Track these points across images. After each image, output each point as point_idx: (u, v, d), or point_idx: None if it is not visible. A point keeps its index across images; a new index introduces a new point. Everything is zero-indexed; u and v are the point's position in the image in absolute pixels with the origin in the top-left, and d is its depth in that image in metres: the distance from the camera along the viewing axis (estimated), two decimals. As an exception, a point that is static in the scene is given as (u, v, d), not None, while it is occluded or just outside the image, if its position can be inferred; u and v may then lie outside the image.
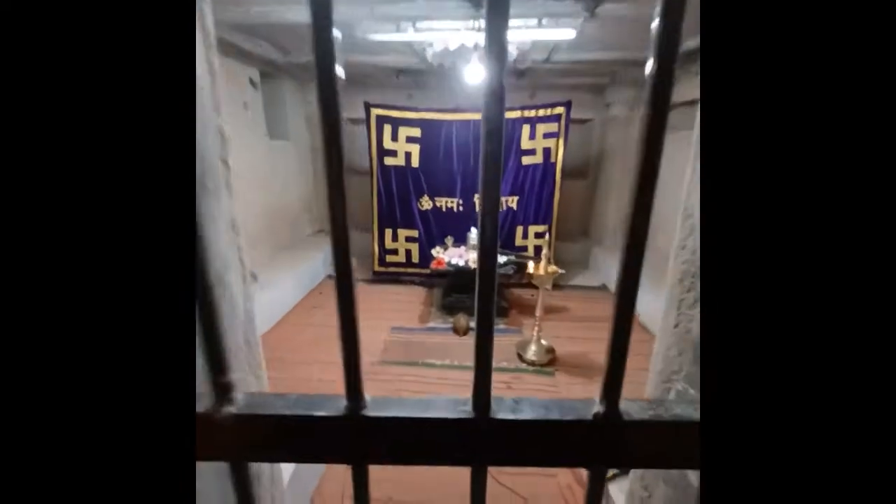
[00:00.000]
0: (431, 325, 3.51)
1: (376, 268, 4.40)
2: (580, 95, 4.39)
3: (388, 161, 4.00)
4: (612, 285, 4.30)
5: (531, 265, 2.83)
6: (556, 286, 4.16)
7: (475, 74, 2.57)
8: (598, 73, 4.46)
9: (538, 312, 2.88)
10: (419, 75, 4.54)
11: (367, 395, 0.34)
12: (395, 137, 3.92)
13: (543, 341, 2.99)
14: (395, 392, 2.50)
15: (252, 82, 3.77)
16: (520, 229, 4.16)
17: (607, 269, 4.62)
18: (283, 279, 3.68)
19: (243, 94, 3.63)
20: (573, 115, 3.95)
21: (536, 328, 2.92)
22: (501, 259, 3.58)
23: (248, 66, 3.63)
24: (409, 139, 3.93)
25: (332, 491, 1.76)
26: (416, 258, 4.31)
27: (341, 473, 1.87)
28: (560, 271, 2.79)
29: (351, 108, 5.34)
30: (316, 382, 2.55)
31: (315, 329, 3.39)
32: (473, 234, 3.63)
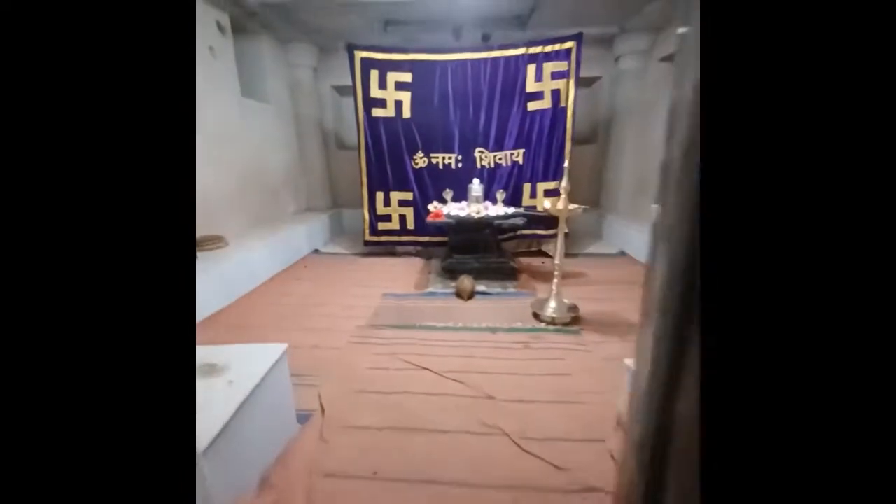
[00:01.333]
0: (431, 290, 3.03)
1: (367, 237, 3.91)
2: (586, 50, 3.95)
3: (377, 112, 3.55)
4: (634, 252, 3.82)
5: (547, 202, 2.36)
6: (569, 255, 3.70)
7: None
8: (606, 20, 4.05)
9: (557, 260, 2.40)
10: (410, 27, 4.12)
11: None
12: (382, 85, 3.48)
13: (565, 299, 2.50)
14: (390, 356, 2.01)
15: (220, 26, 3.34)
16: (527, 187, 3.69)
17: (625, 236, 4.16)
18: (259, 247, 3.19)
19: (208, 38, 3.19)
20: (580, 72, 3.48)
21: (555, 282, 2.44)
22: (508, 210, 3.11)
23: (210, 5, 3.20)
24: (399, 85, 3.48)
25: (297, 467, 1.26)
26: (411, 224, 3.84)
27: (311, 445, 1.38)
28: (583, 207, 2.32)
29: (336, 75, 4.93)
30: (309, 349, 2.04)
31: (295, 298, 2.91)
32: (475, 184, 3.17)
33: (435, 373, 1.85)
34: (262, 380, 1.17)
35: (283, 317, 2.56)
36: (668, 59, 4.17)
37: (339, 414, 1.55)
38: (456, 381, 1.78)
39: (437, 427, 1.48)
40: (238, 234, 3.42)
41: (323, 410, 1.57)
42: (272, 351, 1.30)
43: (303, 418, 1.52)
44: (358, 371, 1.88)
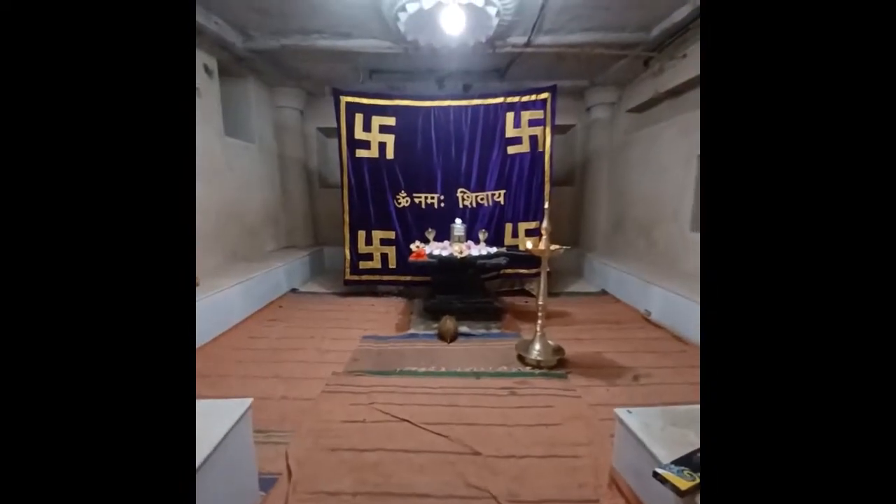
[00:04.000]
0: (412, 331, 2.92)
1: (348, 276, 3.81)
2: (560, 101, 4.23)
3: (360, 153, 3.60)
4: (614, 290, 3.85)
5: (529, 243, 2.38)
6: (551, 294, 3.70)
7: (454, 23, 2.26)
8: (577, 75, 4.39)
9: (541, 300, 2.37)
10: (393, 76, 4.32)
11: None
12: (367, 127, 3.56)
13: (549, 340, 2.45)
14: (368, 407, 1.86)
15: (207, 69, 3.40)
16: (508, 227, 3.74)
17: (605, 274, 4.22)
18: (232, 286, 3.03)
19: (195, 79, 3.23)
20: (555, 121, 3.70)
21: (539, 323, 2.40)
22: (491, 250, 3.11)
23: (200, 49, 3.28)
24: (383, 129, 3.57)
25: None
26: (392, 263, 3.78)
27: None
28: (565, 247, 2.34)
29: (322, 118, 5.06)
30: (278, 400, 1.86)
31: (269, 341, 2.73)
32: (458, 224, 3.18)
33: (416, 425, 1.72)
34: (220, 444, 1.04)
35: (252, 363, 2.38)
36: (635, 110, 4.51)
37: (308, 477, 1.39)
38: (439, 434, 1.65)
39: (417, 490, 1.34)
40: (212, 272, 3.27)
41: (290, 474, 1.40)
42: (234, 408, 1.17)
43: (267, 484, 1.35)
44: (331, 425, 1.72)
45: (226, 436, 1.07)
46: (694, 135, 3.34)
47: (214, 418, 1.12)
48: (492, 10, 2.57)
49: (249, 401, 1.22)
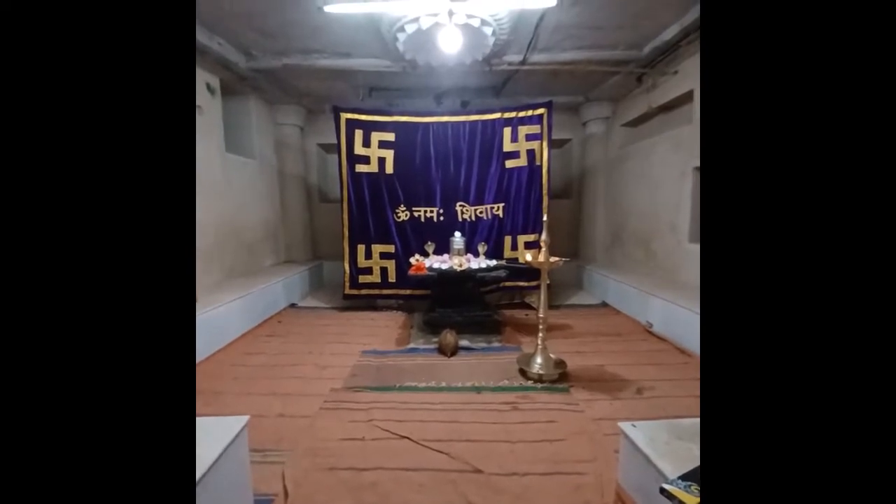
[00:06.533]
0: (412, 346, 2.88)
1: (348, 290, 3.79)
2: (556, 116, 4.29)
3: (360, 168, 3.64)
4: (615, 302, 3.82)
5: (528, 255, 2.38)
6: (552, 306, 3.68)
7: (451, 42, 2.32)
8: (572, 91, 4.49)
9: (542, 312, 2.36)
10: (392, 93, 4.41)
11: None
12: (366, 143, 3.61)
13: (551, 354, 2.42)
14: (367, 424, 1.83)
15: (209, 88, 3.46)
16: (508, 239, 3.75)
17: (604, 286, 4.21)
18: (230, 301, 3.01)
19: (196, 97, 3.29)
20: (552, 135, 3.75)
21: (541, 336, 2.37)
22: (490, 263, 3.11)
23: (202, 69, 3.35)
24: (383, 144, 3.62)
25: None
26: (392, 277, 3.76)
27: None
28: (564, 259, 2.34)
29: (322, 134, 5.13)
30: (275, 418, 1.82)
31: (267, 358, 2.69)
32: (457, 237, 3.19)
33: (416, 442, 1.68)
34: (214, 464, 1.01)
35: (249, 380, 2.34)
36: (629, 124, 4.59)
37: (305, 498, 1.35)
38: (439, 451, 1.61)
39: (417, 511, 1.30)
40: (209, 289, 3.25)
41: (286, 495, 1.36)
42: (229, 426, 1.15)
43: (262, 506, 1.31)
44: (329, 443, 1.68)
45: (220, 455, 1.04)
46: (686, 148, 3.39)
47: (209, 437, 1.09)
48: (488, 30, 2.64)
49: (245, 419, 1.20)
